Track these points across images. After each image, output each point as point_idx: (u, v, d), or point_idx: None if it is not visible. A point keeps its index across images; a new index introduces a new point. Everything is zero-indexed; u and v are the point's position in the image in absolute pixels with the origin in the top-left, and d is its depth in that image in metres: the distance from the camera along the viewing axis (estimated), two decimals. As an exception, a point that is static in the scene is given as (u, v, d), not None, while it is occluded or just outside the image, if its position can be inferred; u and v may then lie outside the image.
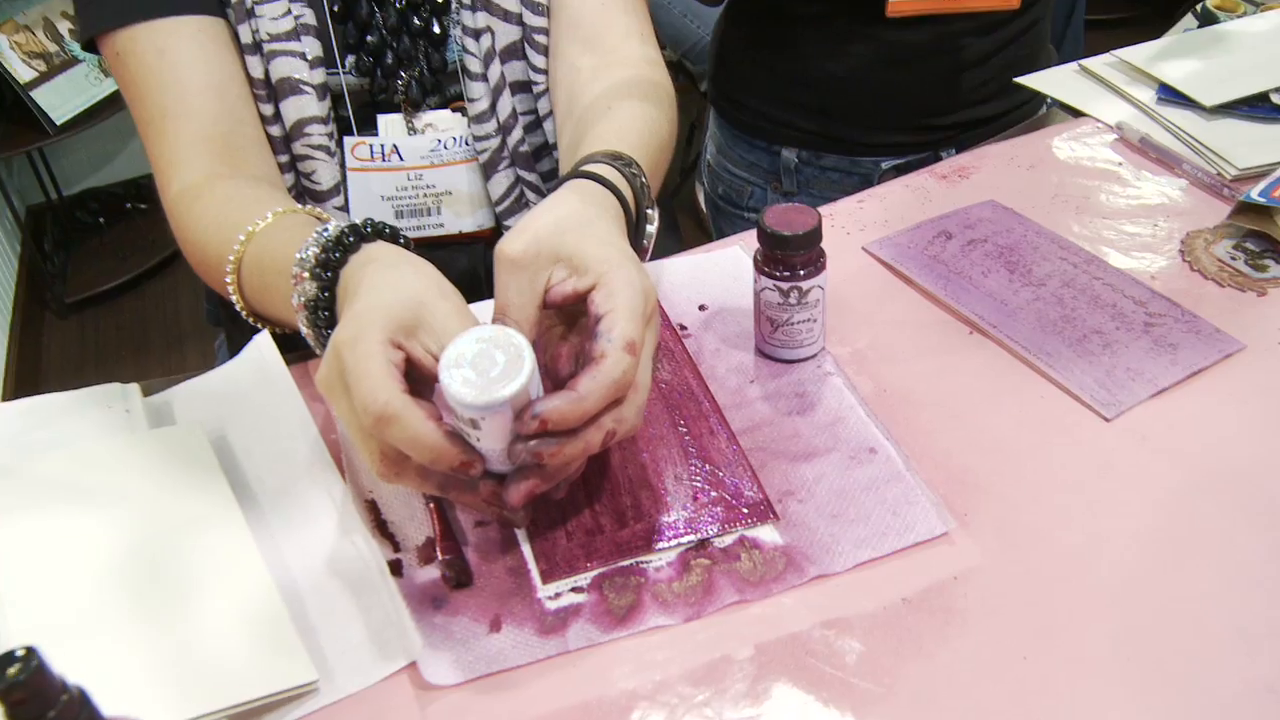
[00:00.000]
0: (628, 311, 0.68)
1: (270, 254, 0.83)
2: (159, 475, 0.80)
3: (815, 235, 0.82)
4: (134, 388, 0.89)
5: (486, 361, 0.64)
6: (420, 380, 0.69)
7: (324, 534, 0.77)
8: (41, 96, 2.75)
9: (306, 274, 0.75)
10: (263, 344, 0.89)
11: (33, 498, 0.77)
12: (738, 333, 0.92)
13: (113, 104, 2.86)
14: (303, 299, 0.75)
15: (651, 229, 0.86)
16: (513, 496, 0.68)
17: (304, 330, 0.78)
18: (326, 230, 0.75)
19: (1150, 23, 1.52)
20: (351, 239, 0.75)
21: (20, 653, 0.46)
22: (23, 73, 2.74)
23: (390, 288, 0.69)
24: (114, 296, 3.08)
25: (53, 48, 2.82)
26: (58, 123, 2.77)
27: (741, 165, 1.45)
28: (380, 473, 0.68)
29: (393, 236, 0.78)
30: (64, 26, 2.85)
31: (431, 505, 0.78)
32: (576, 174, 0.81)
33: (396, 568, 0.75)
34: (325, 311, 0.76)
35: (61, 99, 2.79)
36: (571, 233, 0.73)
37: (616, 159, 0.83)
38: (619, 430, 0.68)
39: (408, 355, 0.67)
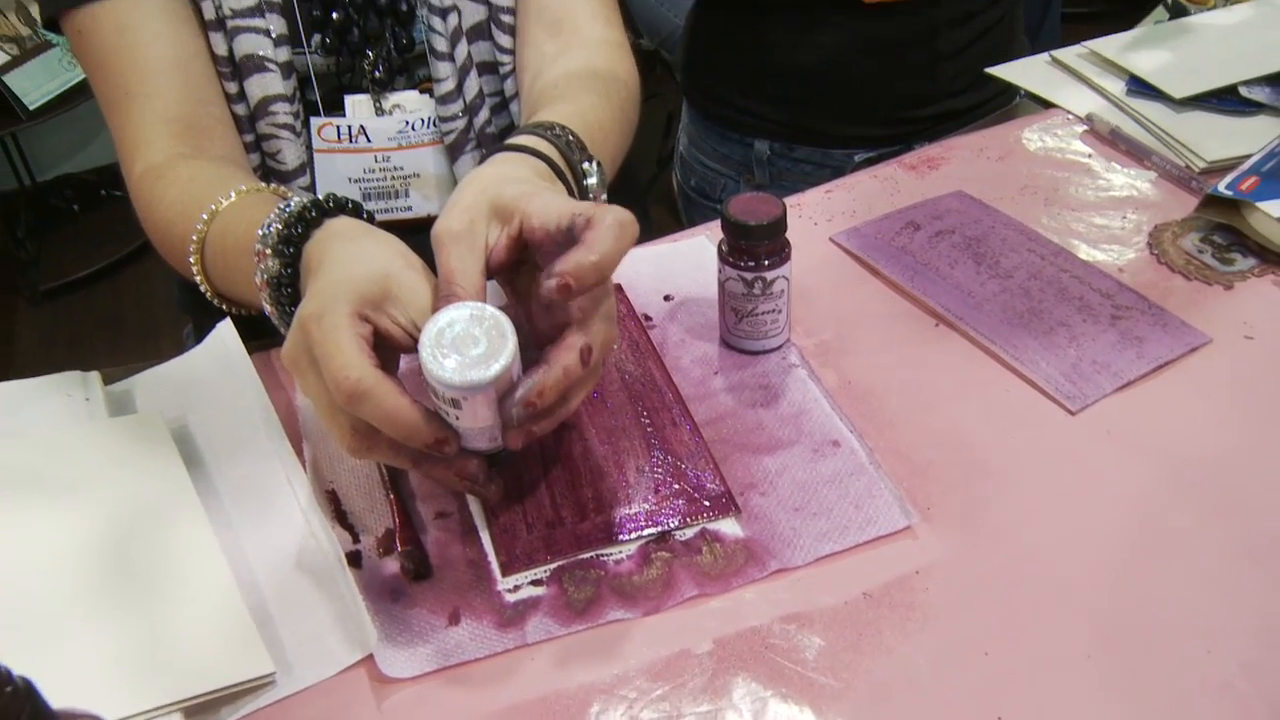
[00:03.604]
0: (584, 247, 0.67)
1: (233, 232, 0.82)
2: (118, 464, 0.79)
3: (779, 224, 0.82)
4: (94, 375, 0.89)
5: (468, 340, 0.64)
6: (386, 353, 0.68)
7: (283, 524, 0.77)
8: (14, 81, 2.72)
9: (269, 250, 0.74)
10: (225, 332, 0.89)
11: (-13, 488, 0.76)
12: (703, 323, 0.92)
13: (86, 89, 2.72)
14: (265, 276, 0.75)
15: (592, 181, 0.83)
16: (513, 442, 0.69)
17: (267, 309, 0.77)
18: (289, 205, 0.75)
19: (1126, 16, 1.53)
20: (314, 213, 0.74)
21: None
22: (-5, 57, 2.71)
23: (355, 261, 0.69)
24: (88, 284, 3.05)
25: (25, 31, 2.79)
26: (30, 107, 2.75)
27: (714, 157, 1.45)
28: (351, 447, 0.68)
29: (355, 211, 0.77)
30: (36, 10, 2.81)
31: (391, 496, 0.77)
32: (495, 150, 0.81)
33: (355, 559, 0.74)
34: (288, 289, 0.75)
35: (34, 83, 2.76)
36: (491, 189, 0.72)
37: (539, 127, 0.83)
38: (595, 345, 0.69)
39: (375, 328, 0.67)
